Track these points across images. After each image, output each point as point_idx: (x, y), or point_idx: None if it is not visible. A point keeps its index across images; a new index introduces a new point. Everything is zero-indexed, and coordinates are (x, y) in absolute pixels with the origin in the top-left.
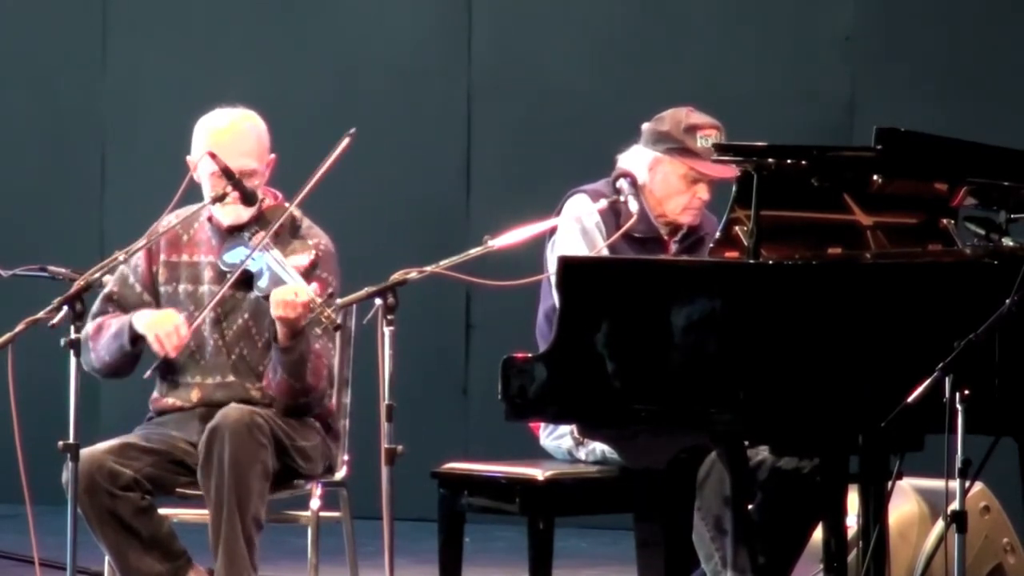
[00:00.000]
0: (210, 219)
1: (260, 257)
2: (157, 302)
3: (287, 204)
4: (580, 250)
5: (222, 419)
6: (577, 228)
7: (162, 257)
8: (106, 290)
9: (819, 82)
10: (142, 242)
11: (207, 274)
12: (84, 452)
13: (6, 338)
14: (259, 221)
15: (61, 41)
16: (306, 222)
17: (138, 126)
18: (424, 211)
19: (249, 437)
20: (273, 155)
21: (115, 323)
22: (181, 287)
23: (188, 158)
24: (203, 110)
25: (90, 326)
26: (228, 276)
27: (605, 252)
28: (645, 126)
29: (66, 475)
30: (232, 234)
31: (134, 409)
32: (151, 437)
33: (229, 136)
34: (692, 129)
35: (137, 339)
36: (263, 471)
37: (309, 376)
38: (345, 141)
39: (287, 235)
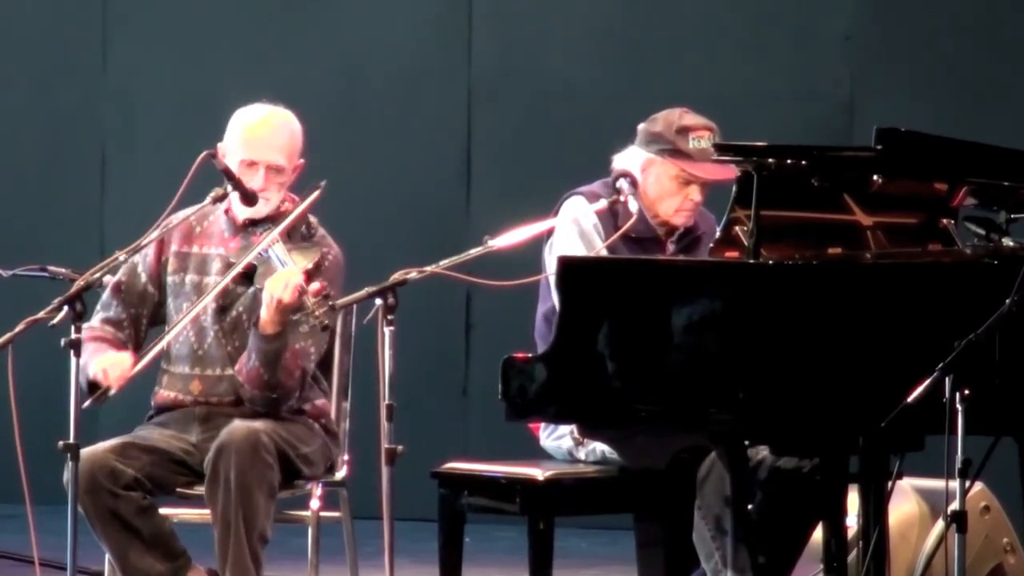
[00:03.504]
0: (227, 212)
1: (266, 253)
2: (161, 294)
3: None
4: (578, 252)
5: (228, 438)
6: (575, 230)
7: (173, 247)
8: (115, 279)
9: (819, 82)
10: (155, 232)
11: (215, 266)
12: (85, 451)
13: (6, 338)
14: (274, 222)
15: (61, 41)
16: (320, 231)
17: (138, 126)
18: (424, 211)
19: (254, 456)
20: (302, 160)
21: (86, 354)
22: (188, 277)
23: (219, 144)
24: (203, 110)
25: (86, 331)
26: (232, 267)
27: (604, 254)
28: (640, 127)
29: (67, 475)
30: (246, 229)
31: (134, 409)
32: (152, 436)
33: (264, 130)
34: (684, 131)
35: (92, 385)
36: (269, 489)
37: (281, 372)
38: (315, 193)
39: (299, 237)
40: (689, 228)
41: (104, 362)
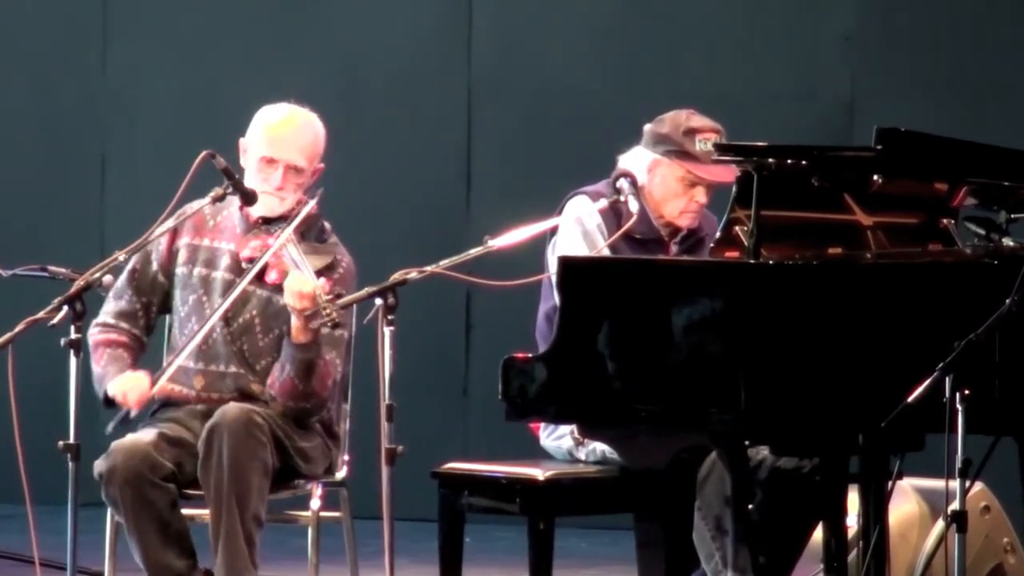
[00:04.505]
0: (241, 208)
1: (282, 253)
2: (170, 283)
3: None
4: (581, 251)
5: (221, 417)
6: (578, 229)
7: (185, 239)
8: (129, 266)
9: (819, 82)
10: (170, 222)
11: (224, 261)
12: (124, 442)
13: (6, 338)
14: (289, 222)
15: (61, 41)
16: (334, 238)
17: (138, 126)
18: (424, 211)
19: (247, 435)
20: (323, 164)
21: (102, 364)
22: (196, 270)
23: (241, 140)
24: (203, 110)
25: (97, 335)
26: (246, 269)
27: (606, 252)
28: (646, 127)
29: (98, 468)
30: (259, 227)
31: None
32: (174, 428)
33: (287, 129)
34: (691, 132)
35: (109, 400)
36: (263, 468)
37: (315, 381)
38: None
39: (312, 239)
40: (693, 230)
41: (123, 384)
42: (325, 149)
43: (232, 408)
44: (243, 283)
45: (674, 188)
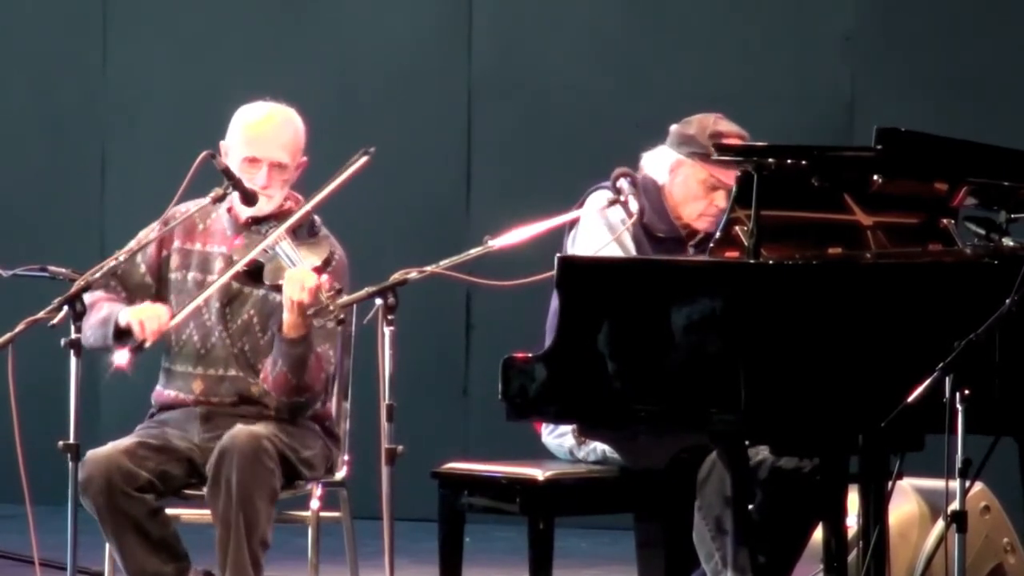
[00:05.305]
0: (229, 210)
1: (273, 250)
2: (159, 286)
3: (304, 205)
4: (606, 241)
5: (230, 443)
6: (603, 221)
7: (176, 243)
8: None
9: (819, 82)
10: (157, 226)
11: (218, 265)
12: (98, 452)
13: (6, 338)
14: (278, 220)
15: (61, 41)
16: (324, 231)
17: (138, 126)
18: (424, 211)
19: (256, 461)
20: (305, 158)
21: (106, 308)
22: (191, 275)
23: (221, 143)
24: (203, 110)
25: (92, 298)
26: (235, 262)
27: (629, 242)
28: (672, 127)
29: (82, 474)
30: (249, 227)
31: (134, 409)
32: (161, 434)
33: (267, 127)
34: (717, 136)
35: (120, 334)
36: (270, 494)
37: (308, 376)
38: (362, 160)
39: (304, 235)
40: (709, 234)
41: (140, 313)
42: (325, 149)
43: (241, 433)
44: (243, 261)
45: (695, 190)
